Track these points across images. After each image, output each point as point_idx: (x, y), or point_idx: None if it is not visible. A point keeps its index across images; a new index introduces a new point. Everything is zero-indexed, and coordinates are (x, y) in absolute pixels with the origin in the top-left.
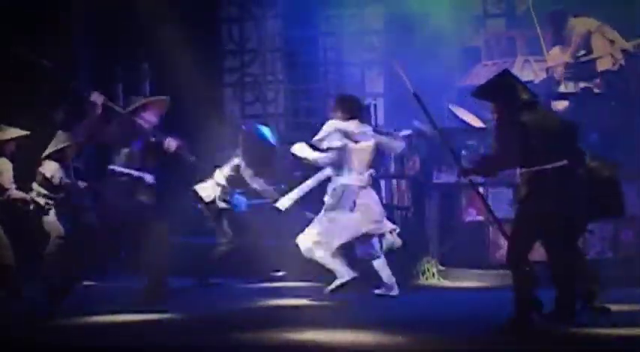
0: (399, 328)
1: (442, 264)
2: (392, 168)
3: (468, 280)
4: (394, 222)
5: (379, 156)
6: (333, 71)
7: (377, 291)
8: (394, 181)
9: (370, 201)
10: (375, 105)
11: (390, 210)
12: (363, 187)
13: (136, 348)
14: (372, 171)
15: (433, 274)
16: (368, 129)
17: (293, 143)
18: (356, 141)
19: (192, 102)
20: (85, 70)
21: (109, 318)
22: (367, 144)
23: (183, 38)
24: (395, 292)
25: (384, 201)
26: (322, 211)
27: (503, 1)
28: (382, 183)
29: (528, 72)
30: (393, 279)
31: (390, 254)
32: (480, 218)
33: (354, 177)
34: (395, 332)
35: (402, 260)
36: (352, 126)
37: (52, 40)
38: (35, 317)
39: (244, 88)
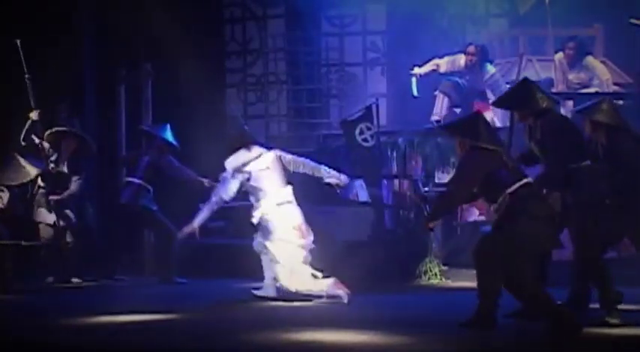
0: (400, 328)
1: (444, 264)
2: (394, 169)
3: (470, 280)
4: (397, 223)
5: (381, 156)
6: (335, 71)
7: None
8: (396, 181)
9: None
10: (377, 106)
11: (392, 211)
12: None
13: (136, 348)
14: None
15: (435, 274)
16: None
17: (295, 143)
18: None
19: (194, 102)
20: (88, 69)
21: (110, 318)
22: (266, 163)
23: (186, 38)
24: (262, 292)
25: (387, 202)
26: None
27: (506, 0)
28: (384, 183)
29: (531, 71)
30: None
31: (393, 254)
32: (482, 218)
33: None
34: (396, 332)
35: (405, 260)
36: (246, 155)
37: (55, 39)
38: (35, 317)
39: (247, 88)
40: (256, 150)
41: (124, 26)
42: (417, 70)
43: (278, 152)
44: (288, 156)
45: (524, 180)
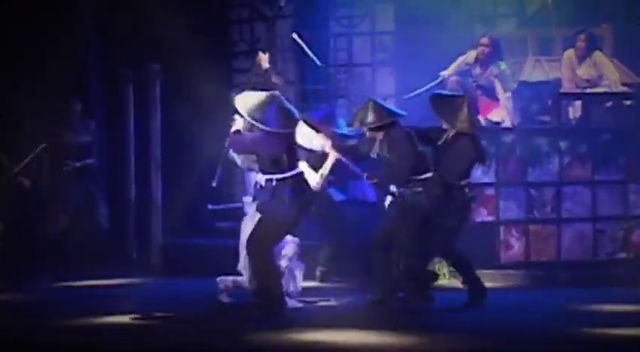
0: (408, 327)
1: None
2: None
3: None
4: None
5: None
6: (343, 72)
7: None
8: None
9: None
10: None
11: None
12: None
13: (137, 348)
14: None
15: (444, 274)
16: None
17: None
18: None
19: (202, 103)
20: (95, 70)
21: (110, 319)
22: None
23: (194, 39)
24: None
25: None
26: None
27: (515, 1)
28: None
29: (539, 72)
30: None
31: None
32: (491, 218)
33: None
34: (404, 332)
35: None
36: None
37: (63, 40)
38: (35, 317)
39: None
40: None
41: (125, 26)
42: (445, 73)
43: None
44: None
45: None
